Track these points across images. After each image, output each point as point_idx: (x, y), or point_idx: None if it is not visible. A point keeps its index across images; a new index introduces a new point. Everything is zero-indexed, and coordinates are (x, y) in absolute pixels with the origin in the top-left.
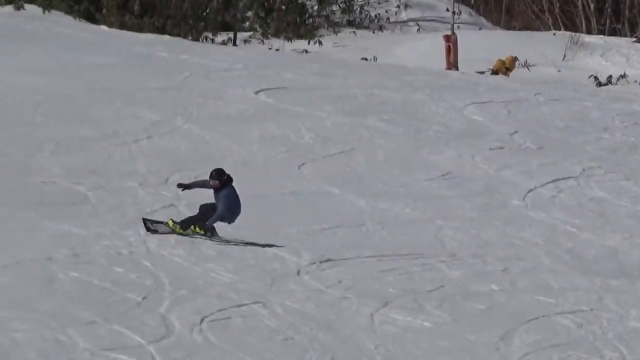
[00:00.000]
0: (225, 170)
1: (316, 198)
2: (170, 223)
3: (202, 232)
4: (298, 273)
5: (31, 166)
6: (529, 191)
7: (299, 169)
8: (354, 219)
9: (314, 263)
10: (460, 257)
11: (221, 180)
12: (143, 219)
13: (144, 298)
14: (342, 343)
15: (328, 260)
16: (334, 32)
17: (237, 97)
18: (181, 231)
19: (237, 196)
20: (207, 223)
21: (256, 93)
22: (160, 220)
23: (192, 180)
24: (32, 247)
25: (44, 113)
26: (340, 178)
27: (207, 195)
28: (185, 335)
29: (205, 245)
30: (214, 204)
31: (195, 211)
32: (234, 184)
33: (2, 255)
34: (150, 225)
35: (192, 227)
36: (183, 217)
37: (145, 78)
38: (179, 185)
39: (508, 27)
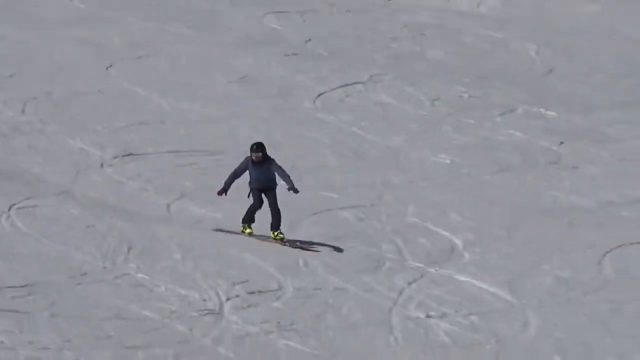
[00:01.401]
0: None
1: (121, 97)
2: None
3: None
4: (101, 166)
5: None
6: (319, 95)
7: (106, 69)
8: (155, 117)
9: (117, 157)
10: None
11: (264, 152)
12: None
13: None
14: (139, 231)
15: (130, 154)
16: None
17: (52, 2)
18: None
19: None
20: (294, 187)
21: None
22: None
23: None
24: None
25: None
26: (145, 79)
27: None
28: None
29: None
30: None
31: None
32: None
33: None
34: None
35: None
36: None
37: None
38: (220, 193)
39: None
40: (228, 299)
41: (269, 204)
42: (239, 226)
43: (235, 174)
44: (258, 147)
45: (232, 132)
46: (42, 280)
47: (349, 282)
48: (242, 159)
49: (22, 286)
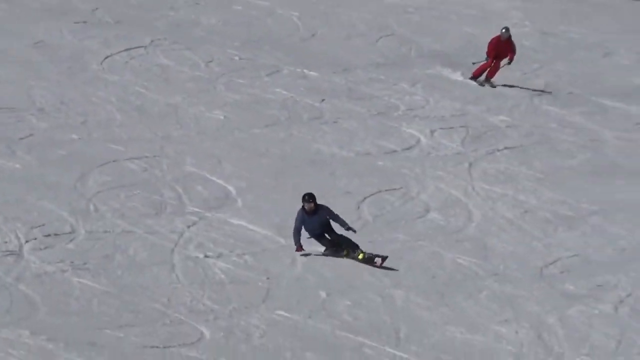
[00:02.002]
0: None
1: None
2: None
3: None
4: None
5: None
6: (106, 57)
7: None
8: None
9: None
10: (47, 111)
11: (315, 202)
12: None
13: None
14: None
15: None
16: None
17: None
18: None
19: None
20: (351, 227)
21: None
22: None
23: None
24: None
25: None
26: None
27: None
28: None
29: None
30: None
31: None
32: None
33: None
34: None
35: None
36: None
37: None
38: (298, 250)
39: None
40: (27, 241)
41: (334, 239)
42: (33, 177)
43: (298, 230)
44: (310, 197)
45: (28, 91)
46: None
47: (135, 226)
48: None
49: None
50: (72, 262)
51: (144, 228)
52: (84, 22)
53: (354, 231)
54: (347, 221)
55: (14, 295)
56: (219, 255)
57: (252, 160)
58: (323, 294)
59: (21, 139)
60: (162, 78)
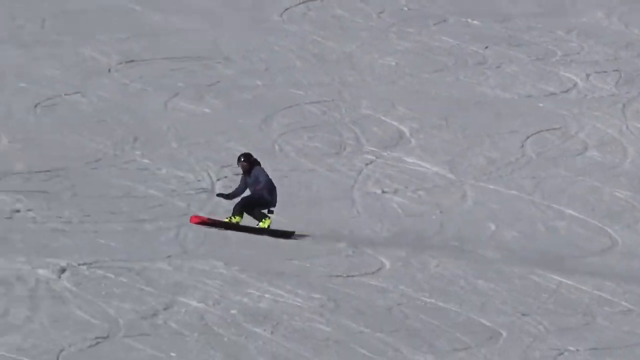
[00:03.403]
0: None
1: (122, 12)
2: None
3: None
4: (109, 71)
5: None
6: (286, 9)
7: None
8: (151, 29)
9: (121, 63)
10: (232, 59)
11: (250, 162)
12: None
13: None
14: (142, 124)
15: (132, 60)
16: None
17: None
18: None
19: (267, 174)
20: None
21: None
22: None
23: None
24: None
25: None
26: None
27: None
28: (23, 116)
29: (37, 45)
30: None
31: None
32: None
33: None
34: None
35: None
36: None
37: None
38: (219, 195)
39: None
40: (218, 179)
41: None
42: (221, 120)
43: (238, 190)
44: (241, 159)
45: (215, 41)
46: (64, 165)
47: (317, 164)
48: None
49: (48, 171)
50: None
51: (325, 166)
52: None
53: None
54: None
55: (207, 229)
56: (395, 191)
57: (423, 102)
58: (492, 226)
59: (209, 85)
60: (338, 27)
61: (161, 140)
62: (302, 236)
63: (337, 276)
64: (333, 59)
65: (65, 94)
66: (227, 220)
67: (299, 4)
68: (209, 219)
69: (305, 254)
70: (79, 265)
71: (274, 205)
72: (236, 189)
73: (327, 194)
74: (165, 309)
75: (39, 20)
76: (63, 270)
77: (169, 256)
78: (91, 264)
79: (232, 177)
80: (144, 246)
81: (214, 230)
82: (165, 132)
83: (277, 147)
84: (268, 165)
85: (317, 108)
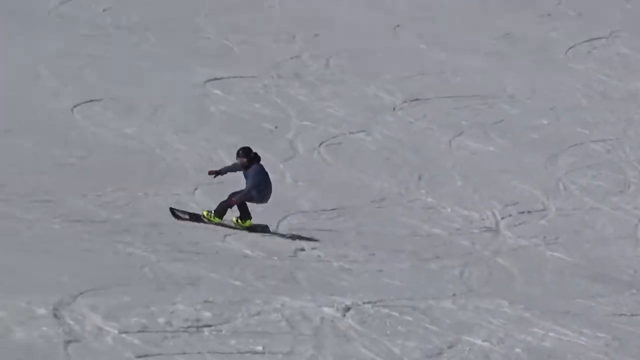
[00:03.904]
0: (252, 148)
1: (406, 51)
2: (205, 213)
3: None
4: (393, 109)
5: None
6: (570, 48)
7: (394, 29)
8: (436, 68)
9: (405, 101)
10: (517, 98)
11: (248, 157)
12: (170, 208)
13: (276, 127)
14: (427, 163)
15: (416, 99)
16: None
17: None
18: (217, 220)
19: (266, 174)
20: (234, 199)
21: None
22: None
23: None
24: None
25: None
26: (427, 36)
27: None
28: (307, 156)
29: (321, 84)
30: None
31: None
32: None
33: (167, 91)
34: (181, 215)
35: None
36: None
37: None
38: (210, 172)
39: None
40: (503, 218)
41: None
42: (506, 158)
43: (232, 169)
44: (241, 152)
45: (500, 80)
46: (349, 204)
47: (601, 202)
48: None
49: (333, 209)
50: (544, 237)
51: (609, 204)
52: (548, 14)
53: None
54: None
55: (493, 268)
56: None
57: None
58: None
59: (494, 123)
60: (622, 66)
61: (446, 178)
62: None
63: (622, 315)
64: (618, 97)
65: (349, 133)
66: (205, 216)
67: (583, 42)
68: (190, 214)
69: (589, 292)
70: (364, 303)
71: (263, 202)
72: (227, 167)
73: (611, 232)
74: (449, 348)
75: (323, 59)
76: (348, 308)
77: (454, 295)
78: (376, 302)
79: (517, 216)
80: (428, 285)
81: (501, 266)
82: (450, 171)
83: (561, 186)
84: (551, 205)
85: (601, 146)
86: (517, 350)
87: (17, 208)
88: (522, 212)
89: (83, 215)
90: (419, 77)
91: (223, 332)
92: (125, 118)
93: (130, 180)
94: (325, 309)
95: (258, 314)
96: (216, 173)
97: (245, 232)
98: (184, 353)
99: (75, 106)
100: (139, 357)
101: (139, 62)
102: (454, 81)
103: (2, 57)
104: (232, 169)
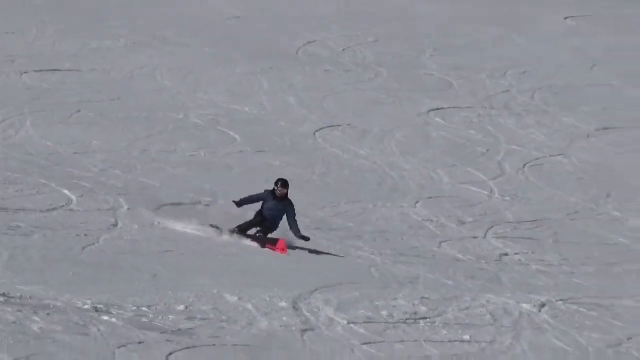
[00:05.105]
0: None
1: (602, 89)
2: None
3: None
4: (588, 136)
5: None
6: None
7: (591, 68)
8: (628, 102)
9: (598, 130)
10: None
11: (287, 191)
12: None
13: (487, 150)
14: (615, 182)
15: (607, 128)
16: None
17: (545, 18)
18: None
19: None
20: (303, 235)
21: None
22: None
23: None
24: None
25: None
26: (621, 73)
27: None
28: (513, 175)
29: (527, 114)
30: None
31: None
32: None
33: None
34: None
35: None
36: None
37: None
38: (237, 204)
39: None
40: None
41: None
42: None
43: (252, 200)
44: (284, 184)
45: None
46: (547, 217)
47: None
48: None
49: (533, 221)
50: None
51: None
52: None
53: (307, 239)
54: (300, 228)
55: None
56: None
57: None
58: None
59: None
60: None
61: (632, 195)
62: None
63: None
64: None
65: (550, 156)
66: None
67: None
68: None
69: None
70: (557, 301)
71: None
72: (251, 197)
73: None
74: (629, 339)
75: (529, 93)
76: (543, 305)
77: (634, 295)
78: (567, 300)
79: None
80: (612, 285)
81: None
82: (636, 188)
83: None
84: None
85: None
86: None
87: None
88: None
89: (321, 224)
90: (610, 109)
91: (436, 323)
92: (360, 142)
93: (362, 195)
94: (524, 305)
95: (467, 309)
96: (239, 205)
97: (458, 240)
98: (402, 341)
99: (317, 131)
100: (364, 344)
101: (372, 94)
102: None
103: (258, 89)
104: (252, 201)
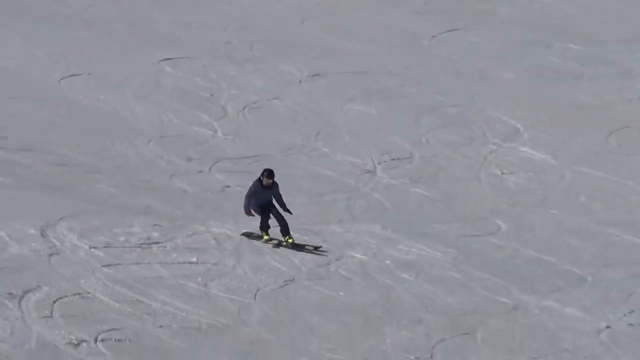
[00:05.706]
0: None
1: (311, 40)
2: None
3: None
4: (300, 82)
5: None
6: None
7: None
8: (334, 52)
9: (309, 76)
10: (394, 73)
11: (274, 179)
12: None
13: (211, 95)
14: (324, 122)
15: (317, 74)
16: None
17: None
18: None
19: None
20: (288, 209)
21: None
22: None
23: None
24: None
25: None
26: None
27: None
28: (234, 116)
29: (244, 59)
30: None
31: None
32: None
33: None
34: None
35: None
36: None
37: None
38: (248, 213)
39: None
40: (379, 163)
41: (275, 215)
42: (380, 121)
43: (250, 198)
44: (270, 174)
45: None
46: (264, 153)
47: (454, 152)
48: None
49: (252, 156)
50: (410, 178)
51: (460, 154)
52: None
53: (290, 213)
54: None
55: (370, 201)
56: (511, 173)
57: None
58: (582, 198)
59: (377, 92)
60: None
61: (338, 134)
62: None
63: (467, 236)
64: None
65: (267, 99)
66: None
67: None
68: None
69: (443, 219)
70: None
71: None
72: (249, 197)
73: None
74: (336, 260)
75: (248, 44)
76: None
77: (340, 220)
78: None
79: (389, 162)
80: (321, 213)
81: (377, 200)
82: (341, 128)
83: (424, 139)
84: (416, 153)
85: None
86: (387, 262)
87: None
88: (394, 159)
89: (66, 159)
90: (320, 58)
91: (167, 248)
92: (99, 88)
93: (101, 135)
94: (243, 230)
95: (194, 234)
96: (250, 212)
97: (186, 174)
98: (138, 263)
99: (62, 79)
100: (104, 266)
101: (110, 46)
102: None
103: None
104: (251, 198)
